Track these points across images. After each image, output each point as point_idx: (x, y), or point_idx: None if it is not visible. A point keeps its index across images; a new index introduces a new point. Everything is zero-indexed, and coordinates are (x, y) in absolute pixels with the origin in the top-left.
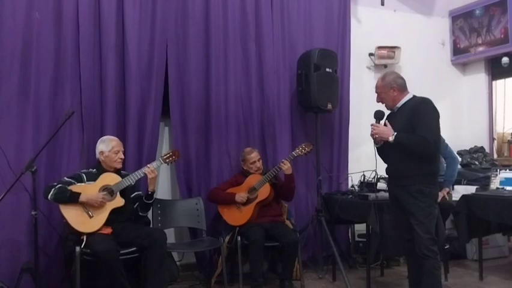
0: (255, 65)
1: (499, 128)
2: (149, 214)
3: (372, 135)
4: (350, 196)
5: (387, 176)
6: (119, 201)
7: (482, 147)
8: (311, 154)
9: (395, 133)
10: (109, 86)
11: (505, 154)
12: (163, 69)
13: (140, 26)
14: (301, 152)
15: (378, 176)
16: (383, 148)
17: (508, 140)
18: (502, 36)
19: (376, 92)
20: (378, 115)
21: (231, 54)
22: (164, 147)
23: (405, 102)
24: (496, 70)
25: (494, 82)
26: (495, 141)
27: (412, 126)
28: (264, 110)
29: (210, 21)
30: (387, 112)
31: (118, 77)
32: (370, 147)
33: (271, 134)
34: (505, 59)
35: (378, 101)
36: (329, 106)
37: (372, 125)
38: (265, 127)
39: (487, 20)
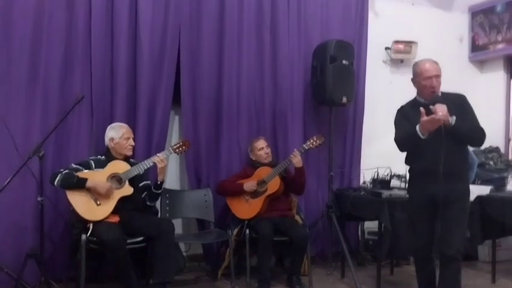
0: (269, 55)
1: None
2: (158, 204)
3: (435, 117)
4: (363, 193)
5: (424, 172)
6: (127, 190)
7: (497, 148)
8: (323, 148)
9: (454, 116)
10: (119, 71)
11: None
12: (175, 57)
13: (153, 11)
14: (313, 144)
15: (392, 173)
16: (426, 139)
17: None
18: None
19: (437, 74)
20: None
21: (245, 43)
22: (174, 136)
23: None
24: None
25: None
26: (511, 142)
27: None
28: (277, 102)
29: (225, 9)
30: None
31: (129, 63)
32: (384, 143)
33: (283, 126)
34: None
35: (435, 85)
36: (344, 100)
37: (436, 106)
38: (277, 119)
39: (508, 16)
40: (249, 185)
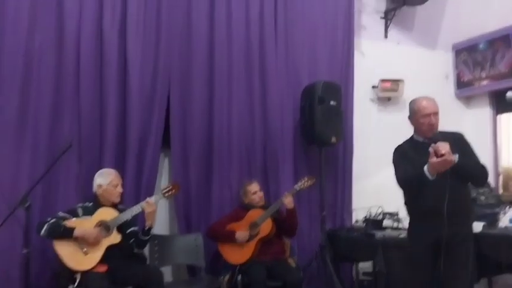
0: (259, 97)
1: (504, 163)
2: (146, 250)
3: (441, 155)
4: (356, 234)
5: (427, 213)
6: (115, 238)
7: (488, 182)
8: (314, 188)
9: (456, 154)
10: (108, 117)
11: (511, 189)
12: (165, 100)
13: (142, 55)
14: (304, 185)
15: (384, 212)
16: (428, 180)
17: None
18: (507, 70)
19: (435, 112)
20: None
21: (234, 85)
22: (163, 179)
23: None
24: (501, 104)
25: (498, 116)
26: (500, 176)
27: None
28: (267, 142)
29: (214, 51)
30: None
31: (118, 108)
32: (374, 181)
33: (273, 166)
34: (510, 94)
35: (434, 123)
36: (333, 139)
37: (438, 144)
38: (267, 159)
39: (491, 54)
40: (241, 235)
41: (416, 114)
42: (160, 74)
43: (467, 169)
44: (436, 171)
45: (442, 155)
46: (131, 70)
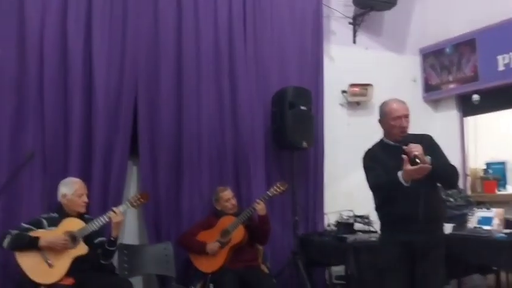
0: (229, 102)
1: (471, 164)
2: (115, 261)
3: (415, 156)
4: (327, 238)
5: (400, 218)
6: (82, 249)
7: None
8: (287, 193)
9: (428, 156)
10: (73, 124)
11: (479, 190)
12: (132, 106)
13: (108, 60)
14: (276, 191)
15: (355, 215)
16: (402, 185)
17: (481, 176)
18: (472, 74)
19: (406, 114)
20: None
21: (203, 91)
22: (132, 188)
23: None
24: (467, 107)
25: (465, 119)
26: (468, 178)
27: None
28: (238, 148)
29: (182, 56)
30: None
31: (83, 115)
32: (345, 185)
33: (245, 172)
34: (476, 97)
35: (405, 125)
36: (304, 144)
37: (410, 146)
38: (239, 165)
39: (457, 58)
40: (212, 247)
41: (386, 117)
42: (126, 80)
43: (440, 172)
44: (411, 178)
45: (415, 156)
46: (96, 76)
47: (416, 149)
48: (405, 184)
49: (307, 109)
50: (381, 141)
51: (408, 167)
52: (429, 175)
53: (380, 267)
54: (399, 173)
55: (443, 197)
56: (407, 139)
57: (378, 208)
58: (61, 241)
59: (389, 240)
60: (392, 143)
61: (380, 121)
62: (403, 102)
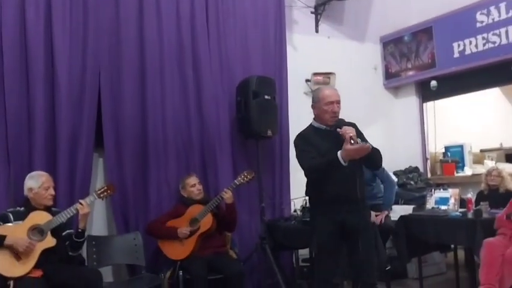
0: (193, 92)
1: (431, 148)
2: (84, 252)
3: (351, 137)
4: (293, 222)
5: (336, 199)
6: (50, 241)
7: (416, 167)
8: (253, 181)
9: (359, 139)
10: (37, 116)
11: (438, 173)
12: (96, 98)
13: (70, 51)
14: (243, 180)
15: None
16: (339, 166)
17: (440, 160)
18: (430, 61)
19: (338, 100)
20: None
21: (168, 81)
22: (98, 180)
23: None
24: (426, 93)
25: (424, 104)
26: (428, 161)
27: None
28: (204, 138)
29: (145, 48)
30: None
31: (47, 108)
32: None
33: (212, 161)
34: (433, 83)
35: (337, 110)
36: (269, 133)
37: (344, 128)
38: (205, 155)
39: (415, 45)
40: (183, 231)
41: (320, 102)
42: (89, 72)
43: (374, 153)
44: (350, 158)
45: (351, 137)
46: (58, 69)
47: (350, 131)
48: (343, 164)
49: (271, 98)
50: (312, 125)
51: (349, 146)
52: (366, 158)
53: (317, 248)
54: (339, 153)
55: (403, 180)
56: (341, 123)
57: (311, 191)
58: (24, 244)
59: (323, 221)
60: (323, 127)
61: (313, 106)
62: (336, 90)
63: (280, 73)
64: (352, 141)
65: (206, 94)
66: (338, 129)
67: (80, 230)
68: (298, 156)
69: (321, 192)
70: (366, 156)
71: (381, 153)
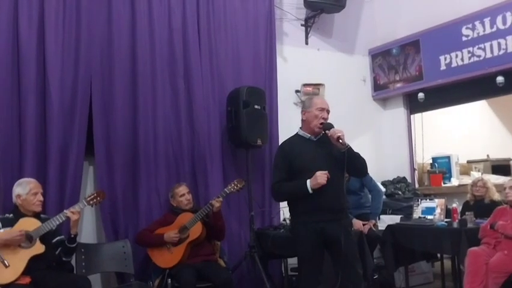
0: (184, 102)
1: (418, 159)
2: (73, 260)
3: (339, 137)
4: (282, 230)
5: (320, 208)
6: (38, 248)
7: (404, 178)
8: (243, 189)
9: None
10: (28, 124)
11: (426, 183)
12: (87, 107)
13: (62, 61)
14: (234, 188)
15: None
16: (303, 192)
17: (428, 170)
18: (417, 73)
19: (328, 109)
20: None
21: (159, 90)
22: (88, 188)
23: None
24: (414, 104)
25: (412, 116)
26: (416, 172)
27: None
28: (195, 147)
29: (137, 58)
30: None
31: (38, 117)
32: None
33: (202, 170)
34: (421, 95)
35: (326, 117)
36: (259, 142)
37: (333, 129)
38: (196, 164)
39: (403, 58)
40: (170, 235)
41: (312, 107)
42: (81, 81)
43: (359, 158)
44: (318, 186)
45: (339, 137)
46: (50, 77)
47: (338, 131)
48: (310, 191)
49: (261, 108)
50: (297, 134)
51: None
52: (350, 163)
53: (299, 257)
54: (308, 182)
55: (392, 190)
56: (326, 126)
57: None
58: (16, 236)
59: (304, 231)
60: (307, 135)
61: (304, 112)
62: (326, 101)
63: (270, 84)
64: (341, 141)
65: (197, 104)
66: (327, 131)
67: (72, 235)
68: (273, 168)
69: (301, 202)
70: (351, 160)
71: (368, 163)
